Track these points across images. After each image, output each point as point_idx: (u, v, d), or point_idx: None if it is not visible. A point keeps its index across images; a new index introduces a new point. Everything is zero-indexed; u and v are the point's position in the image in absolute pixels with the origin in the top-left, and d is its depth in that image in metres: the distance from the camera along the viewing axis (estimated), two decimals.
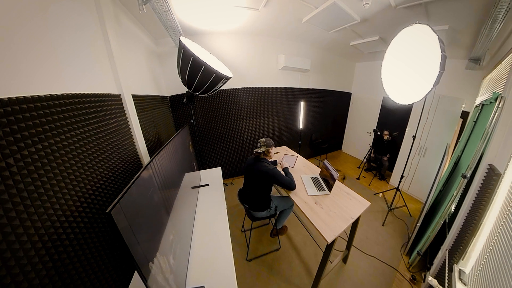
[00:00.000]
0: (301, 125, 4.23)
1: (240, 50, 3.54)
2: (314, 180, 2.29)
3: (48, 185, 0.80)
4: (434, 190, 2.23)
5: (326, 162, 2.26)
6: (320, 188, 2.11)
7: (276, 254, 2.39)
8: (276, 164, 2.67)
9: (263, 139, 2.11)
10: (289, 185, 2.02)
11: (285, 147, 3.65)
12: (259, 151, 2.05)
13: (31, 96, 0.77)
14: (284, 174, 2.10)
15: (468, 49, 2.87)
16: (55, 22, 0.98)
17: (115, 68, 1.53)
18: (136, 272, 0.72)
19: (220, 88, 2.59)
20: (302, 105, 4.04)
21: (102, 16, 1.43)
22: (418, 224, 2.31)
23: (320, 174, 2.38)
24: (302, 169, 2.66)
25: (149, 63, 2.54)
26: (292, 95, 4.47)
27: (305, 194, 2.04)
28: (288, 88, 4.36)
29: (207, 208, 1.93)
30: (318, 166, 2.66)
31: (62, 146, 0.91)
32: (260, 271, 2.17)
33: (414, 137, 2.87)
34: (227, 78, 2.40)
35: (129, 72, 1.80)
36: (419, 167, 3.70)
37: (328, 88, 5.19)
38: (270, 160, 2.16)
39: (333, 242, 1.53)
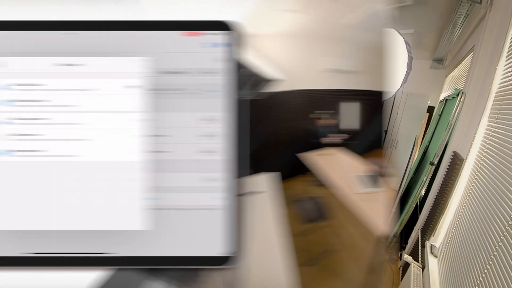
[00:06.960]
0: None
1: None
2: None
3: None
4: (406, 178, 2.44)
5: None
6: None
7: None
8: None
9: None
10: None
11: None
12: None
13: None
14: None
15: (432, 50, 3.12)
16: None
17: None
18: None
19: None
20: None
21: None
22: (393, 210, 2.50)
23: None
24: None
25: None
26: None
27: None
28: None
29: None
30: None
31: None
32: None
33: (386, 131, 3.09)
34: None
35: None
36: (392, 159, 3.98)
37: None
38: None
39: None
